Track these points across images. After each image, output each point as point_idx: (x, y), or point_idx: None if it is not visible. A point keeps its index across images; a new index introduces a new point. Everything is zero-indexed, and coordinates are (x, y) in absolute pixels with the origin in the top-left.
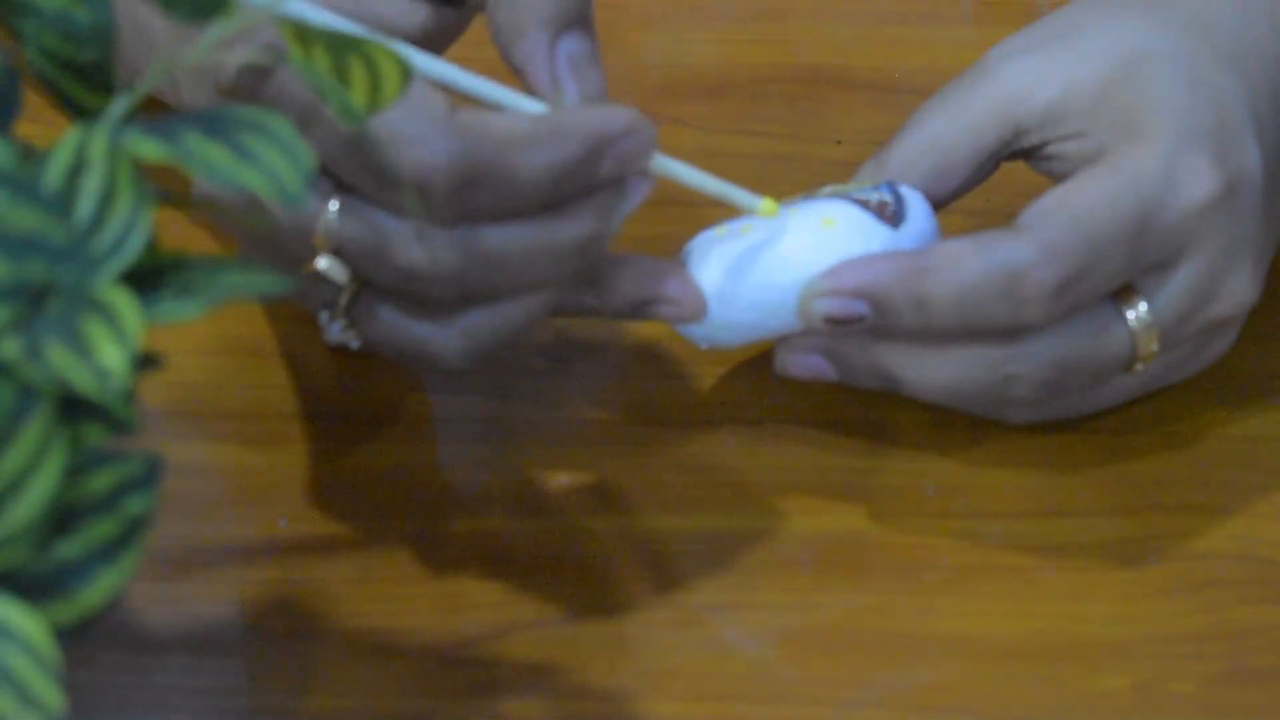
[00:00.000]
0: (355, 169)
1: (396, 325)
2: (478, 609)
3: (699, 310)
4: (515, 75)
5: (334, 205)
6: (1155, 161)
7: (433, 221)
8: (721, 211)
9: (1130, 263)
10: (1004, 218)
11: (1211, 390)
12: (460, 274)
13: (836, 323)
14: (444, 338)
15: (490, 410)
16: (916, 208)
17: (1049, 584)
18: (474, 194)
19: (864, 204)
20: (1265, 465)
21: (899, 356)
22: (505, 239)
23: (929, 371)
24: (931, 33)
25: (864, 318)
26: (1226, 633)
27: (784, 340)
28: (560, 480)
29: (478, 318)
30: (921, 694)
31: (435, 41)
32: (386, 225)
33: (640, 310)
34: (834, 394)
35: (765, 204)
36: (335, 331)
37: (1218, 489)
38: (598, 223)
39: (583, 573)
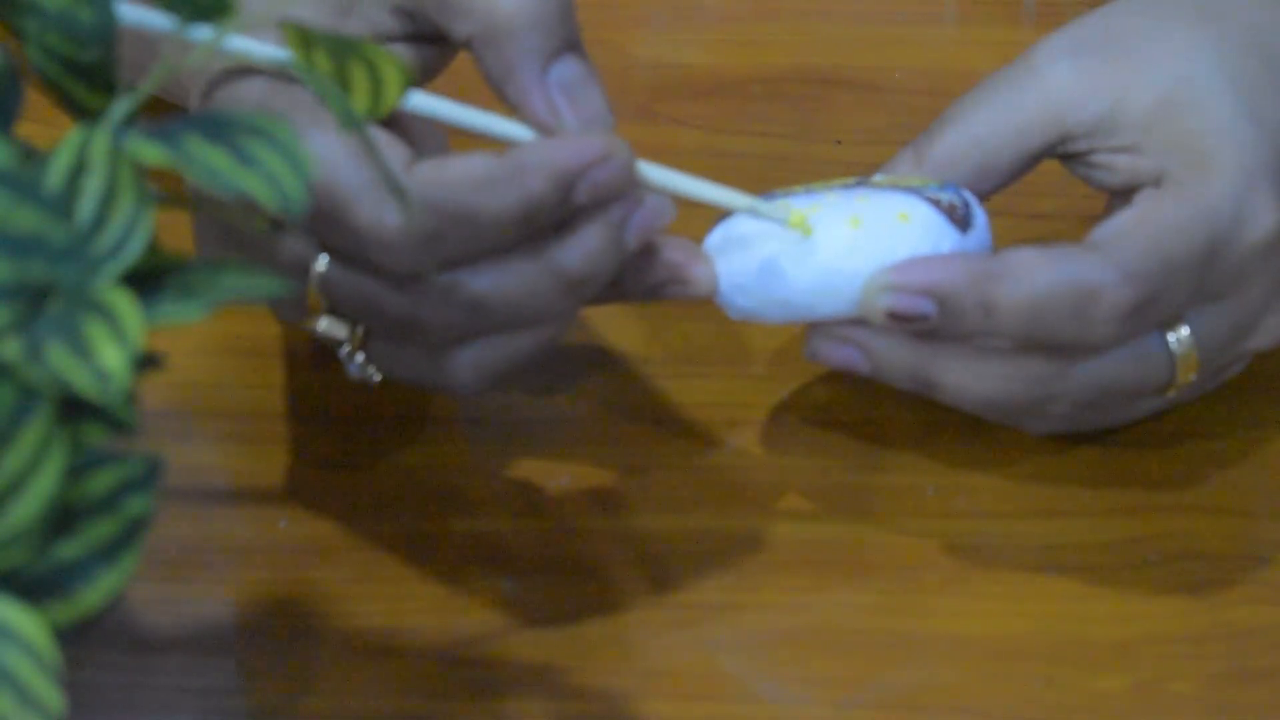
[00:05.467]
0: (324, 231)
1: (406, 362)
2: (478, 609)
3: (711, 289)
4: (513, 112)
5: (321, 263)
6: (1227, 196)
7: (406, 276)
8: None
9: (1192, 295)
10: (1003, 213)
11: (1211, 390)
12: (450, 321)
13: (899, 319)
14: (454, 371)
15: (490, 410)
16: (979, 215)
17: (1049, 584)
18: (441, 245)
19: (936, 203)
20: (1265, 465)
21: (942, 361)
22: (489, 284)
23: (970, 381)
24: (932, 33)
25: (928, 317)
26: (1226, 633)
27: (819, 326)
28: (560, 480)
29: (483, 351)
30: (921, 694)
31: (415, 80)
32: (369, 283)
33: (656, 293)
34: (834, 394)
35: (794, 217)
36: (354, 370)
37: (1218, 489)
38: (582, 257)
39: (583, 573)
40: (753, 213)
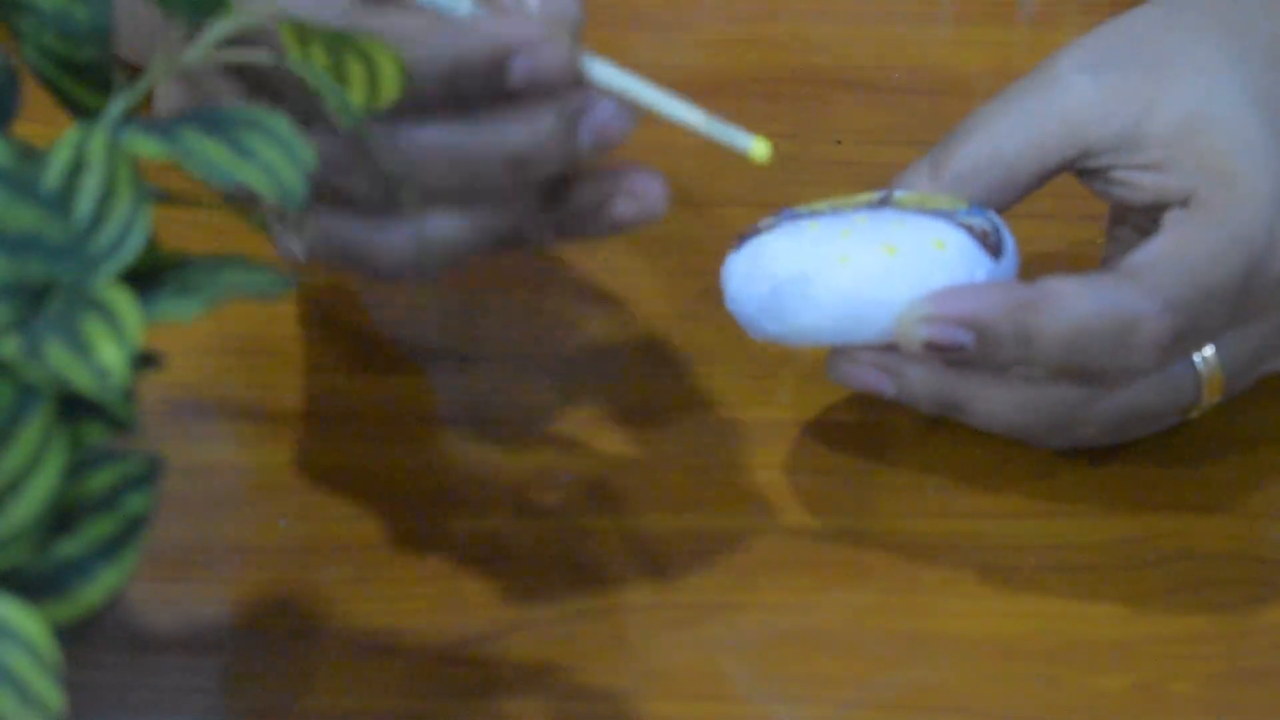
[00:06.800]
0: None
1: (340, 229)
2: (478, 609)
3: (662, 202)
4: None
5: None
6: (1260, 221)
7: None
8: (741, 214)
9: (1228, 320)
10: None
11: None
12: (385, 176)
13: (937, 349)
14: (389, 243)
15: (490, 410)
16: (1009, 241)
17: (1049, 584)
18: None
19: (969, 229)
20: (1265, 465)
21: (970, 387)
22: (422, 138)
23: (999, 406)
24: (932, 32)
25: (965, 347)
26: (1226, 632)
27: (844, 349)
28: (560, 480)
29: (424, 226)
30: (921, 694)
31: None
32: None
33: (601, 217)
34: (834, 394)
35: (758, 145)
36: (283, 241)
37: (1218, 489)
38: (527, 134)
39: (583, 573)
40: (709, 133)
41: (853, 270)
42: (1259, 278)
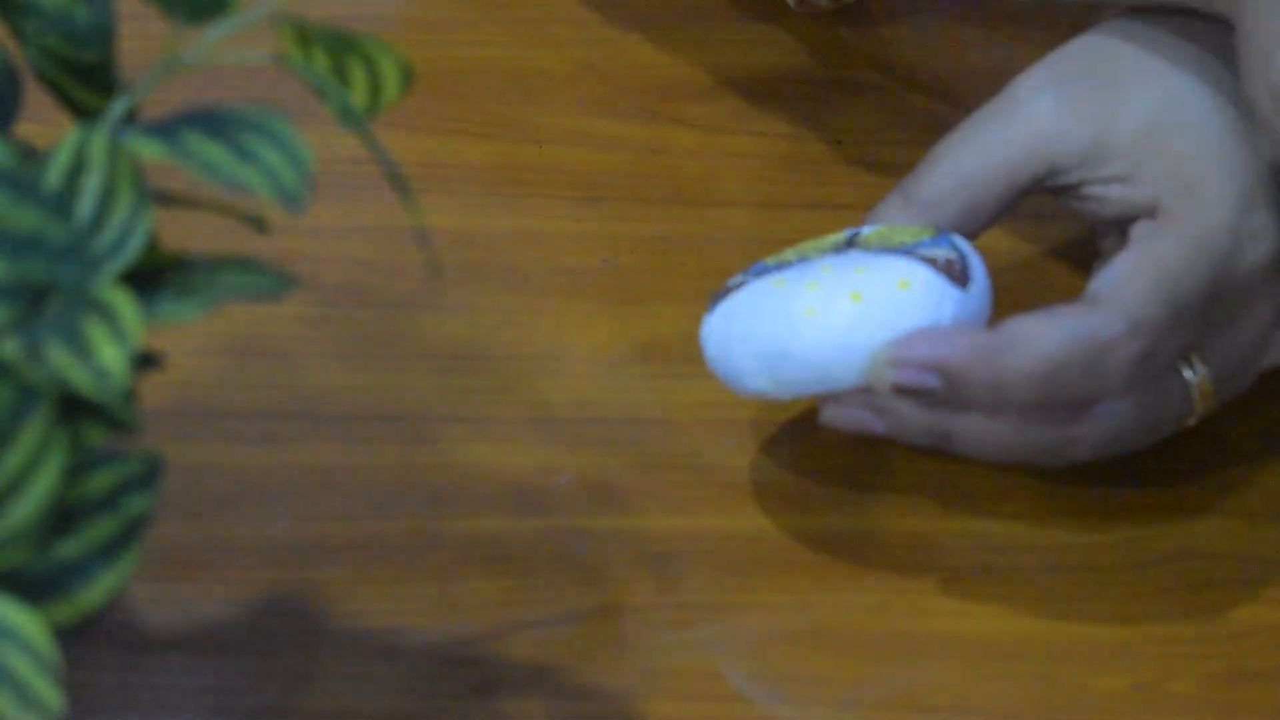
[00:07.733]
0: None
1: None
2: (478, 609)
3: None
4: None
5: None
6: (1224, 226)
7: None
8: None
9: (1202, 327)
10: None
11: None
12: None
13: (906, 392)
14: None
15: (490, 410)
16: (977, 264)
17: (1049, 584)
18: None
19: (932, 263)
20: (1265, 465)
21: (958, 419)
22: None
23: (989, 435)
24: (933, 30)
25: (934, 389)
26: (1226, 633)
27: (828, 395)
28: (560, 480)
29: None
30: (921, 694)
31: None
32: None
33: None
34: None
35: None
36: None
37: (1218, 489)
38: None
39: (583, 573)
40: None
41: (821, 323)
42: (1227, 281)
